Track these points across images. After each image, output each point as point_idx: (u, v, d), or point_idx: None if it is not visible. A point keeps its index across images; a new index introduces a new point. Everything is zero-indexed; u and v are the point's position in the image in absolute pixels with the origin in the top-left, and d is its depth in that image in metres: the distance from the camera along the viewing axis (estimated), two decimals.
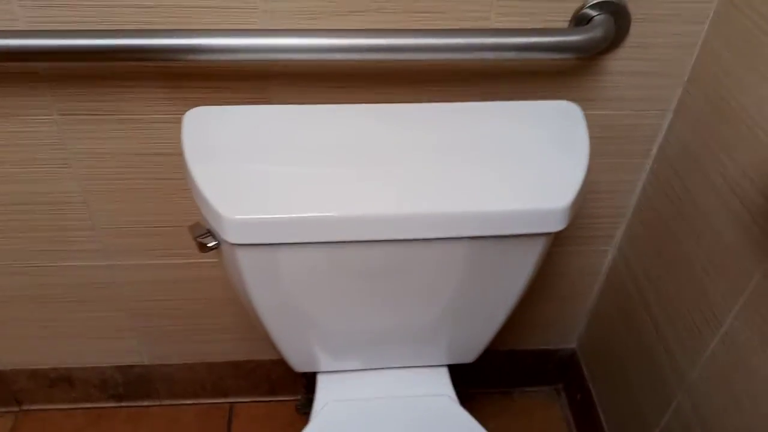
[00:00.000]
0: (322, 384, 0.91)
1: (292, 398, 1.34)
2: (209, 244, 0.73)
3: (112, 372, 1.25)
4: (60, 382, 1.26)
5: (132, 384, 1.28)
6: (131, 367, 1.25)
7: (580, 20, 0.79)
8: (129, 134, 0.87)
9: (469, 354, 0.90)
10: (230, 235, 0.68)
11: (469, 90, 0.86)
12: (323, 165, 0.72)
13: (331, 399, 0.88)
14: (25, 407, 1.30)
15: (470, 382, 1.34)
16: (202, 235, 0.74)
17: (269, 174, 0.70)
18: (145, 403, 1.32)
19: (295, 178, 0.70)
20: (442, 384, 0.90)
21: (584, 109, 0.85)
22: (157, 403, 1.33)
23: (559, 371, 1.34)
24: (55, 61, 0.74)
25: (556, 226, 0.70)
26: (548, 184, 0.70)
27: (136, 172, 0.91)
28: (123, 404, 1.32)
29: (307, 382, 1.01)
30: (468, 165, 0.72)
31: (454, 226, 0.70)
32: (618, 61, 0.85)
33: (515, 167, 0.72)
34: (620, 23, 0.80)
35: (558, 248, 1.09)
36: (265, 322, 0.81)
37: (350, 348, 0.87)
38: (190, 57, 0.73)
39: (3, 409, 1.30)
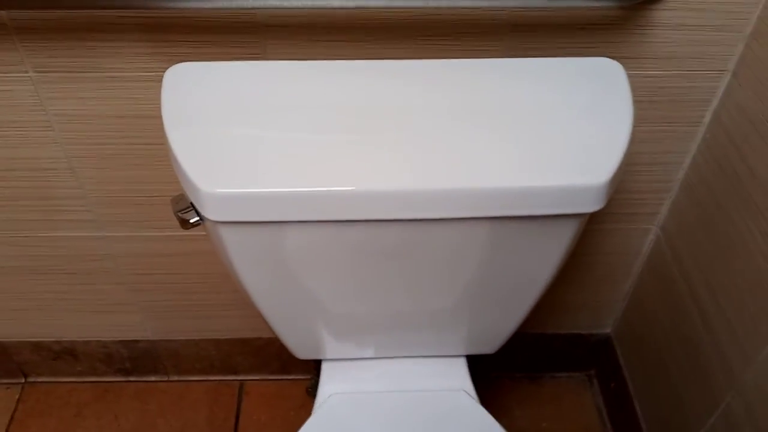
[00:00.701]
0: (327, 373, 0.83)
1: (304, 377, 1.27)
2: (191, 220, 0.65)
3: (116, 346, 1.20)
4: (64, 355, 1.21)
5: (138, 359, 1.23)
6: (136, 342, 1.19)
7: None
8: (111, 94, 0.78)
9: (489, 344, 0.80)
10: (210, 212, 0.60)
11: (493, 44, 0.74)
12: (323, 131, 0.62)
13: (335, 390, 0.79)
14: (31, 379, 1.26)
15: (495, 366, 1.24)
16: (184, 209, 0.65)
17: (259, 141, 0.61)
18: (153, 379, 1.27)
19: (290, 146, 0.61)
20: (458, 377, 0.81)
21: (627, 68, 0.72)
22: (165, 378, 1.27)
23: (591, 357, 1.24)
24: (17, 7, 0.66)
25: (593, 205, 0.59)
26: (584, 156, 0.59)
27: (122, 136, 0.83)
28: (130, 379, 1.27)
29: (317, 364, 0.93)
30: (491, 133, 0.62)
31: (474, 205, 0.60)
32: (668, 12, 0.72)
33: (546, 136, 0.61)
34: None
35: (594, 226, 0.97)
36: (258, 305, 0.73)
37: (357, 335, 0.79)
38: (174, 3, 0.64)
39: (9, 381, 1.26)
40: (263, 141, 0.61)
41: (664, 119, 0.83)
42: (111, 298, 1.09)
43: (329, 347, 0.80)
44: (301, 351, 0.81)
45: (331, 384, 0.81)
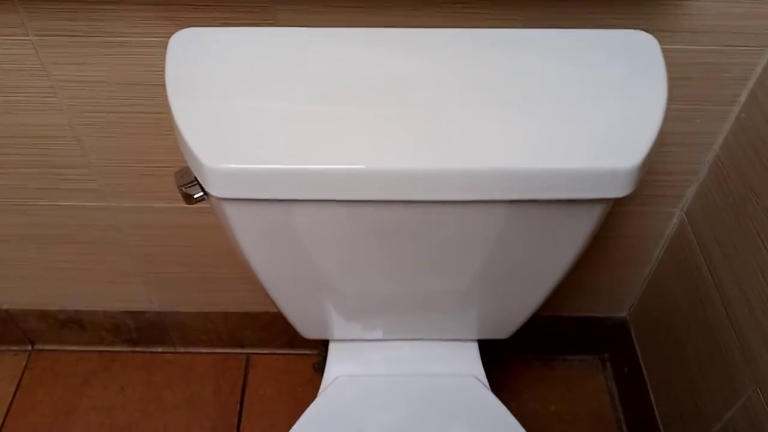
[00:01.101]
0: (334, 353, 0.80)
1: (311, 352, 1.25)
2: (195, 196, 0.62)
3: (123, 317, 1.18)
4: (71, 324, 1.20)
5: (145, 330, 1.22)
6: (142, 312, 1.17)
7: None
8: (115, 60, 0.75)
9: (503, 329, 0.77)
10: (214, 188, 0.57)
11: (515, 14, 0.70)
12: (334, 104, 0.58)
13: (342, 372, 0.77)
14: (38, 347, 1.25)
15: (505, 347, 1.22)
16: (188, 184, 0.62)
17: (267, 114, 0.58)
18: (159, 350, 1.26)
19: (299, 120, 0.57)
20: (469, 362, 0.78)
21: (660, 42, 0.68)
22: (172, 350, 1.26)
23: (605, 340, 1.21)
24: None
25: (621, 190, 0.55)
26: (613, 136, 0.56)
27: (128, 104, 0.79)
28: (137, 349, 1.26)
29: (325, 341, 0.91)
30: (512, 110, 0.58)
31: (493, 188, 0.56)
32: None
33: (572, 114, 0.57)
34: None
35: (615, 208, 0.93)
36: (264, 283, 0.70)
37: (365, 316, 0.76)
38: None
39: (16, 348, 1.25)
40: (272, 113, 0.58)
41: (696, 97, 0.79)
42: (117, 269, 1.07)
43: (336, 328, 0.78)
44: (308, 330, 0.79)
45: (337, 365, 0.78)
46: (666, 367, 1.02)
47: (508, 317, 0.75)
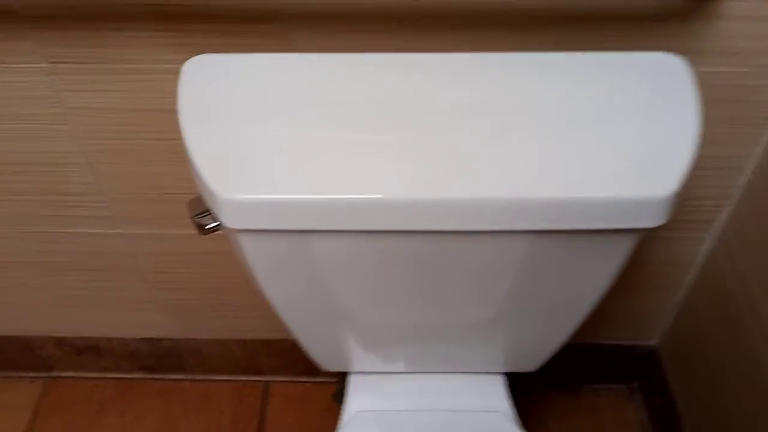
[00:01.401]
0: (354, 386, 0.77)
1: (331, 380, 1.22)
2: (208, 226, 0.60)
3: (139, 344, 1.17)
4: (87, 351, 1.18)
5: (161, 357, 1.20)
6: (159, 340, 1.15)
7: None
8: (127, 87, 0.73)
9: (530, 362, 0.74)
10: (228, 219, 0.54)
11: (540, 37, 0.68)
12: (351, 131, 0.56)
13: (362, 407, 0.74)
14: (54, 374, 1.24)
15: (528, 376, 1.18)
16: (201, 214, 0.60)
17: (283, 142, 0.55)
18: (176, 377, 1.24)
19: (315, 148, 0.55)
20: (496, 396, 0.75)
21: (690, 63, 0.65)
22: (189, 377, 1.24)
23: (635, 369, 1.16)
24: None
25: (656, 219, 0.52)
26: (645, 164, 0.53)
27: (140, 131, 0.78)
28: (154, 376, 1.24)
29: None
30: (537, 136, 0.55)
31: (518, 218, 0.53)
32: (735, 2, 0.65)
33: (601, 141, 0.54)
34: None
35: None
36: (281, 315, 0.68)
37: (385, 348, 0.73)
38: None
39: (33, 375, 1.24)
40: (287, 142, 0.56)
41: (726, 120, 0.76)
42: (132, 296, 1.06)
43: (356, 360, 0.75)
44: (327, 363, 0.76)
45: (358, 399, 0.76)
46: (700, 397, 0.97)
47: (536, 350, 0.71)
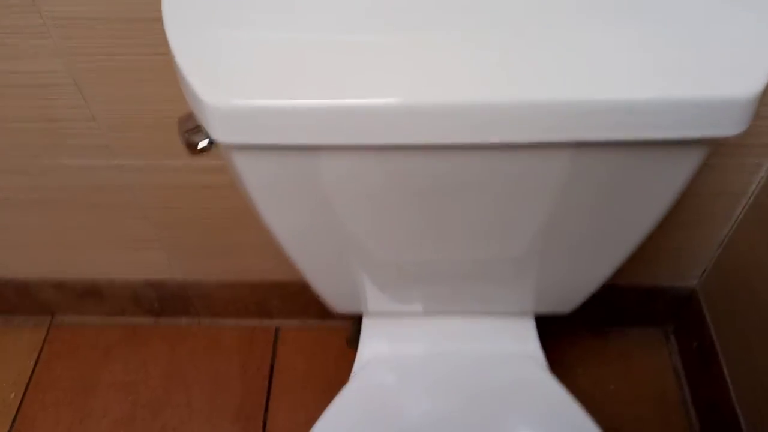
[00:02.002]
0: (368, 331, 0.71)
1: (345, 325, 1.16)
2: (199, 144, 0.52)
3: (143, 287, 1.11)
4: (89, 295, 1.13)
5: (167, 300, 1.14)
6: (163, 282, 1.09)
7: None
8: None
9: (565, 302, 0.66)
10: (219, 131, 0.46)
11: None
12: (362, 28, 0.47)
13: (377, 353, 0.67)
14: (57, 318, 1.19)
15: (557, 316, 1.11)
16: (191, 130, 0.52)
17: (282, 42, 0.47)
18: (183, 321, 1.18)
19: (320, 48, 0.46)
20: (526, 340, 0.67)
21: None
22: (196, 321, 1.18)
23: (670, 312, 1.09)
24: None
25: (735, 127, 0.43)
26: (722, 58, 0.43)
27: (129, 44, 0.69)
28: (160, 321, 1.18)
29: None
30: (593, 27, 0.46)
31: (564, 126, 0.44)
32: None
33: (664, 29, 0.45)
34: None
35: None
36: (286, 249, 0.60)
37: (403, 286, 0.66)
38: None
39: (35, 318, 1.19)
40: (288, 42, 0.47)
41: None
42: (133, 234, 0.99)
43: (371, 300, 0.68)
44: (339, 303, 0.69)
45: (372, 344, 0.69)
46: (744, 342, 0.90)
47: (573, 289, 0.64)
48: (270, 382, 1.11)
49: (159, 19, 0.65)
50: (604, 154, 0.47)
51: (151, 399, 1.09)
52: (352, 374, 0.66)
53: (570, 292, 0.65)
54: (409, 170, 0.50)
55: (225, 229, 0.97)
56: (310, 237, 0.58)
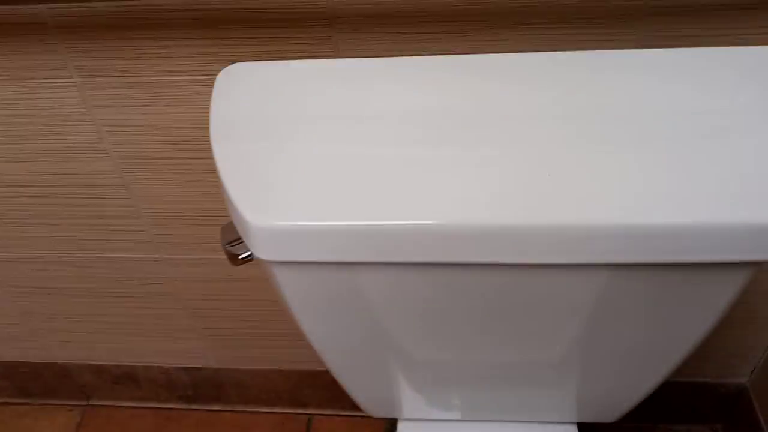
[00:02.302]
0: None
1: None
2: (241, 256, 0.53)
3: (178, 373, 1.11)
4: (125, 380, 1.13)
5: (201, 387, 1.13)
6: (198, 369, 1.09)
7: None
8: (163, 101, 0.68)
9: (610, 412, 0.64)
10: (261, 249, 0.47)
11: (625, 33, 0.59)
12: (403, 147, 0.48)
13: None
14: (93, 402, 1.19)
15: None
16: (233, 242, 0.53)
17: (325, 161, 0.48)
18: (216, 408, 1.17)
19: (362, 167, 0.47)
20: None
21: None
22: (229, 408, 1.17)
23: (719, 409, 1.04)
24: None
25: None
26: (765, 180, 0.43)
27: (178, 149, 0.72)
28: (193, 407, 1.17)
29: None
30: (630, 149, 0.46)
31: (606, 249, 0.44)
32: None
33: (707, 153, 0.45)
34: None
35: None
36: (322, 356, 0.60)
37: (440, 393, 0.65)
38: None
39: (72, 403, 1.19)
40: (330, 160, 0.48)
41: None
42: (171, 324, 1.00)
43: (407, 406, 0.67)
44: (374, 409, 0.68)
45: None
46: None
47: (617, 400, 0.62)
48: None
49: (202, 126, 0.69)
50: (649, 274, 0.46)
51: None
52: None
53: (614, 403, 0.62)
54: (448, 286, 0.50)
55: (260, 321, 0.97)
56: (348, 346, 0.58)
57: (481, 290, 0.50)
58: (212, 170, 0.74)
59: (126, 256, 0.87)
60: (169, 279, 0.90)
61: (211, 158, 0.72)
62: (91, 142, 0.73)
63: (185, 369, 1.10)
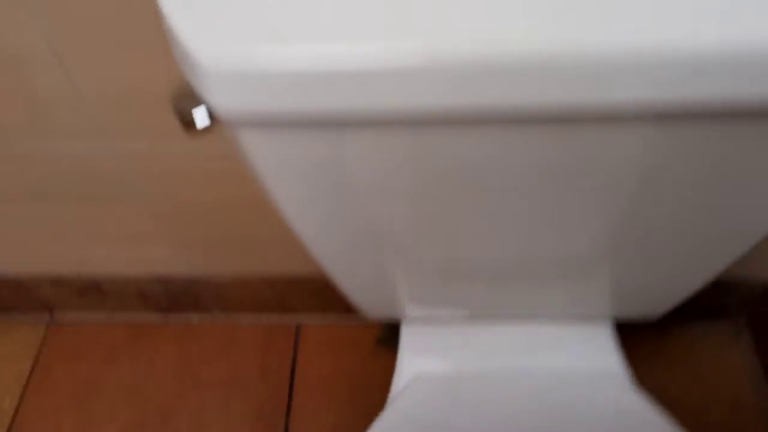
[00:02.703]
0: (409, 340, 0.58)
1: (374, 320, 1.05)
2: (198, 121, 0.40)
3: (148, 283, 1.00)
4: (90, 292, 1.02)
5: (176, 296, 1.03)
6: (171, 278, 0.98)
7: None
8: None
9: (656, 306, 0.54)
10: (217, 95, 0.34)
11: None
12: None
13: (421, 370, 0.55)
14: (56, 317, 1.08)
15: None
16: (185, 103, 0.40)
17: None
18: (195, 318, 1.07)
19: None
20: (605, 351, 0.55)
21: None
22: (209, 318, 1.08)
23: (742, 303, 0.96)
24: None
25: None
26: None
27: (120, 13, 0.57)
28: (169, 317, 1.07)
29: None
30: None
31: (670, 81, 0.32)
32: None
33: None
34: None
35: None
36: (309, 245, 0.48)
37: (448, 287, 0.54)
38: None
39: (32, 318, 1.09)
40: None
41: None
42: (132, 227, 0.88)
43: (411, 304, 0.56)
44: (372, 309, 0.57)
45: (414, 358, 0.57)
46: None
47: (672, 290, 0.51)
48: (291, 384, 1.01)
49: None
50: (709, 125, 0.35)
51: (161, 403, 0.99)
52: (391, 396, 0.55)
53: (663, 296, 0.52)
54: (445, 148, 0.38)
55: (235, 220, 0.85)
56: (336, 231, 0.46)
57: (500, 152, 0.38)
58: (163, 38, 0.60)
59: (71, 147, 0.74)
60: (125, 174, 0.77)
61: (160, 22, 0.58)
62: (14, 6, 0.58)
63: (156, 278, 0.99)
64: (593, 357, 0.55)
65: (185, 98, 0.40)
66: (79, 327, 1.07)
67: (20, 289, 1.02)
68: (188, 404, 0.99)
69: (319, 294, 1.00)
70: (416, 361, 0.56)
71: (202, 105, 0.38)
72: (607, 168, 0.39)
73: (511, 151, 0.38)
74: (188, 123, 0.40)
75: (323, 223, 0.45)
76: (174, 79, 0.64)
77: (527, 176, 0.40)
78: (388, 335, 0.95)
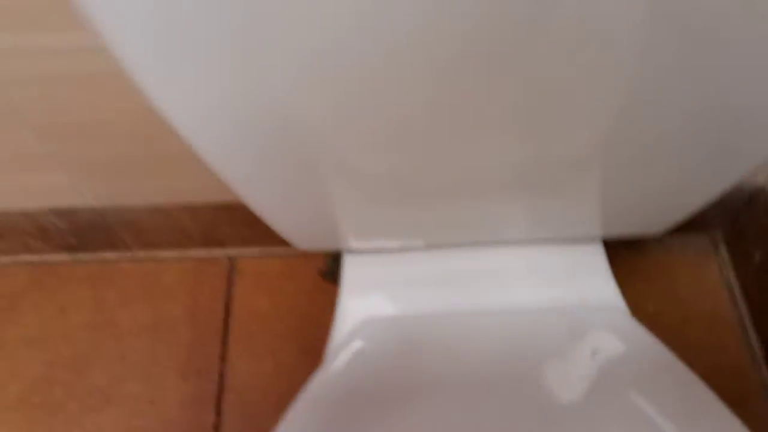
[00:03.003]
0: (351, 275, 0.46)
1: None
2: None
3: (49, 216, 0.85)
4: None
5: (85, 233, 0.89)
6: (74, 210, 0.84)
7: None
8: None
9: (659, 222, 0.43)
10: None
11: None
12: None
13: (368, 311, 0.43)
14: None
15: None
16: None
17: None
18: (110, 257, 0.93)
19: None
20: (599, 276, 0.44)
21: None
22: (129, 256, 0.94)
23: (720, 214, 0.88)
24: None
25: None
26: None
27: None
28: (78, 256, 0.93)
29: None
30: None
31: None
32: None
33: None
34: None
35: None
36: (205, 157, 0.35)
37: (401, 207, 0.41)
38: None
39: None
40: None
41: None
42: (20, 153, 0.72)
43: (350, 232, 0.43)
44: (303, 238, 0.44)
45: (360, 298, 0.44)
46: None
47: (681, 202, 0.40)
48: (226, 326, 0.89)
49: None
50: None
51: (74, 355, 0.86)
52: (330, 348, 0.43)
53: (670, 209, 0.41)
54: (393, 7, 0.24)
55: (143, 138, 0.70)
56: (241, 134, 0.32)
57: (472, 27, 0.25)
58: None
59: None
60: None
61: None
62: None
63: (57, 211, 0.84)
64: (590, 286, 0.44)
65: None
66: None
67: None
68: (106, 356, 0.86)
69: (253, 222, 0.87)
70: (362, 302, 0.44)
71: None
72: (602, 32, 0.27)
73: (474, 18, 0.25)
74: None
75: (221, 113, 0.32)
76: None
77: (508, 39, 0.27)
78: (335, 267, 0.83)
